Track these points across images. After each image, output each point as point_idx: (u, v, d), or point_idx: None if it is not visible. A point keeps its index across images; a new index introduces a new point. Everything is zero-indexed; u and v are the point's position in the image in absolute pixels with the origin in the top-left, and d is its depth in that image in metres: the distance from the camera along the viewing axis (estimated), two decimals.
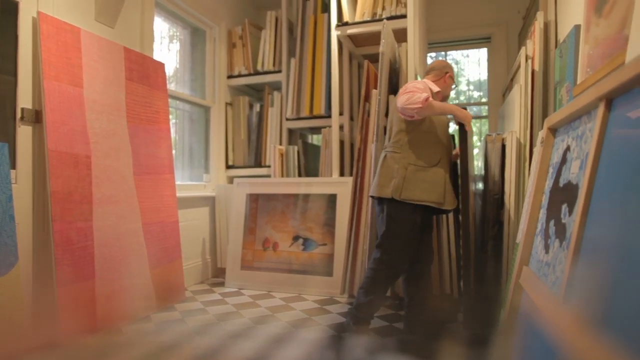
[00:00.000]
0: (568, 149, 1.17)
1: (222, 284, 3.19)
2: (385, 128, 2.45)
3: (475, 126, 4.23)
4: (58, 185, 2.01)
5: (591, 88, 1.00)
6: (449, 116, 2.19)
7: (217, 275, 3.49)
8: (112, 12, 2.55)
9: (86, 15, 2.40)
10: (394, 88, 2.80)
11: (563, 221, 1.06)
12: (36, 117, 2.06)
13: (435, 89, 2.25)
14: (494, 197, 2.55)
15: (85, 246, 2.10)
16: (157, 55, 3.06)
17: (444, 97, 2.35)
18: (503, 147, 2.52)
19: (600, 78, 1.64)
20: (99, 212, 2.20)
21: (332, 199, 3.08)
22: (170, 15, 3.31)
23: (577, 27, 2.08)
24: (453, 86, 2.38)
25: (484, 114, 4.15)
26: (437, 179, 2.09)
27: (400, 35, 2.95)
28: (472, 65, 4.38)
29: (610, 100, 0.91)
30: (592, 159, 0.92)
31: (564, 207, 1.08)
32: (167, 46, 3.35)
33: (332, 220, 3.03)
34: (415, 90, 2.05)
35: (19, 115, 2.00)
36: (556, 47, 2.51)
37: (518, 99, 2.47)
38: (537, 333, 0.94)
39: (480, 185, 2.75)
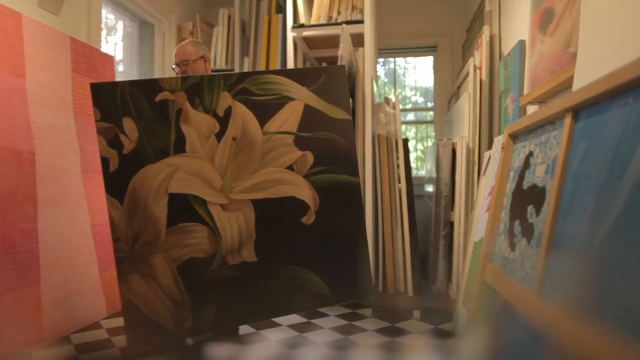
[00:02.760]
0: (531, 154, 1.28)
1: None
2: None
3: (420, 131, 4.42)
4: None
5: (557, 100, 1.10)
6: None
7: None
8: None
9: (27, 0, 2.22)
10: (349, 92, 2.85)
11: (530, 221, 1.16)
12: None
13: None
14: (444, 199, 2.69)
15: (29, 249, 1.94)
16: (104, 48, 2.90)
17: None
18: (453, 151, 2.66)
19: (547, 90, 1.81)
20: (45, 212, 2.05)
21: None
22: (117, 7, 3.14)
23: (521, 42, 2.25)
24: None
25: (429, 119, 4.35)
26: None
27: (356, 40, 3.02)
28: (418, 72, 4.58)
29: (577, 111, 1.02)
30: (560, 164, 1.01)
31: (530, 208, 1.18)
32: (113, 38, 3.18)
33: None
34: None
35: None
36: (500, 59, 2.71)
37: (467, 106, 2.63)
38: (513, 324, 1.02)
39: (431, 188, 2.89)
